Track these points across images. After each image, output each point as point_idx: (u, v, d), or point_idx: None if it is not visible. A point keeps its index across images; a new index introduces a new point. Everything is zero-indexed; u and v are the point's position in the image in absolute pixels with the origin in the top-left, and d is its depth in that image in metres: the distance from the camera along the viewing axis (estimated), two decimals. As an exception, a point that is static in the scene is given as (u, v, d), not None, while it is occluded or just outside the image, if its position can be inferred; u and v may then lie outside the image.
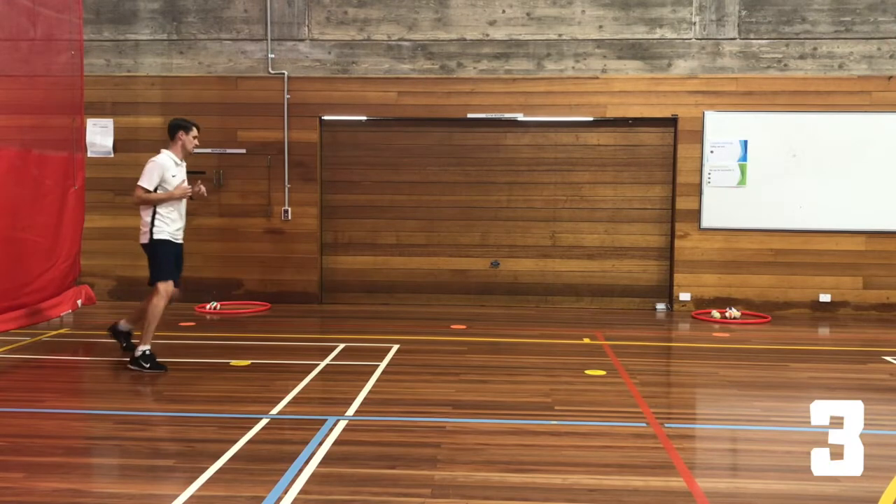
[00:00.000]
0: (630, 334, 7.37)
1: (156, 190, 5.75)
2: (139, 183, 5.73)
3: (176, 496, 3.37)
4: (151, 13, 8.98)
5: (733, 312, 8.33)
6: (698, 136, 8.68)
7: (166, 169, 5.78)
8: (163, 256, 5.83)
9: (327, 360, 6.06)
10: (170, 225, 5.83)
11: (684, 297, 8.80)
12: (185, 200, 5.97)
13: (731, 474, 3.83)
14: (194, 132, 5.95)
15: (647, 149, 8.92)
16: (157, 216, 5.80)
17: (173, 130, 5.93)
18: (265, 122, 8.98)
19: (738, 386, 5.51)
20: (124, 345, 6.22)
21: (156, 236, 5.79)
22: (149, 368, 5.72)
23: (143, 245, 5.88)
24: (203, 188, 5.94)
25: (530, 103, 8.80)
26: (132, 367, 5.78)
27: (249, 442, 4.11)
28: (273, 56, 8.93)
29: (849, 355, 6.63)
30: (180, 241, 5.97)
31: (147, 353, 5.78)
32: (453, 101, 8.85)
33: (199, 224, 9.08)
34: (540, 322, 8.09)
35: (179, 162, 5.91)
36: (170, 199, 5.77)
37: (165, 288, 5.82)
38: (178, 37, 8.98)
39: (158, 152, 5.86)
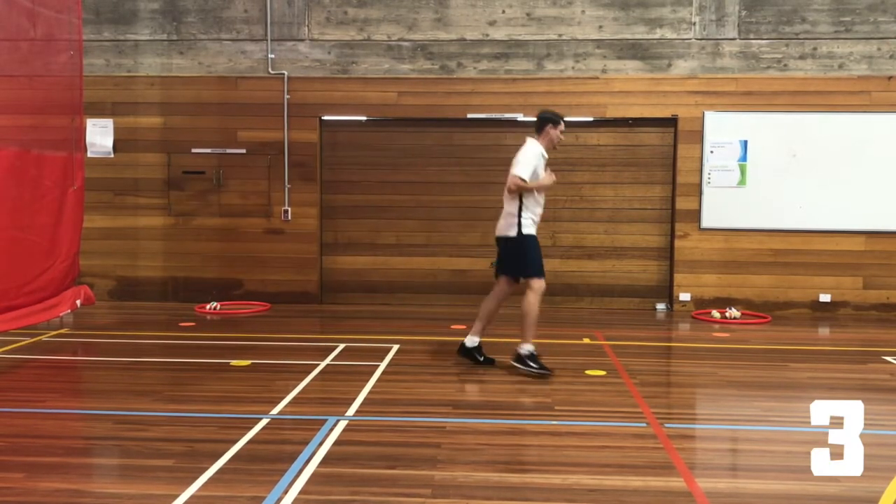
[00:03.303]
0: (630, 334, 7.36)
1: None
2: (516, 172, 5.50)
3: (176, 496, 3.37)
4: (151, 13, 8.97)
5: (733, 312, 8.32)
6: (698, 136, 8.68)
7: (539, 160, 5.61)
8: (533, 251, 5.65)
9: (327, 360, 6.06)
10: (535, 218, 5.67)
11: (684, 297, 8.80)
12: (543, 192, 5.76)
13: (731, 474, 3.83)
14: (562, 126, 5.74)
15: (647, 149, 8.91)
16: (523, 209, 5.60)
17: (542, 123, 5.72)
18: (265, 122, 8.98)
19: (738, 386, 5.50)
20: (482, 359, 5.95)
21: (524, 231, 5.61)
22: (536, 369, 5.56)
23: (509, 238, 5.68)
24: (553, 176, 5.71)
25: (530, 103, 8.79)
26: (516, 365, 5.66)
27: (249, 442, 4.10)
28: (273, 56, 8.93)
29: (849, 355, 6.62)
30: None
31: (533, 352, 5.63)
32: (453, 101, 8.85)
33: (199, 224, 9.09)
34: (540, 322, 8.05)
35: (545, 155, 5.69)
36: (540, 187, 5.59)
37: (539, 284, 5.66)
38: (178, 37, 8.98)
39: (523, 142, 5.65)
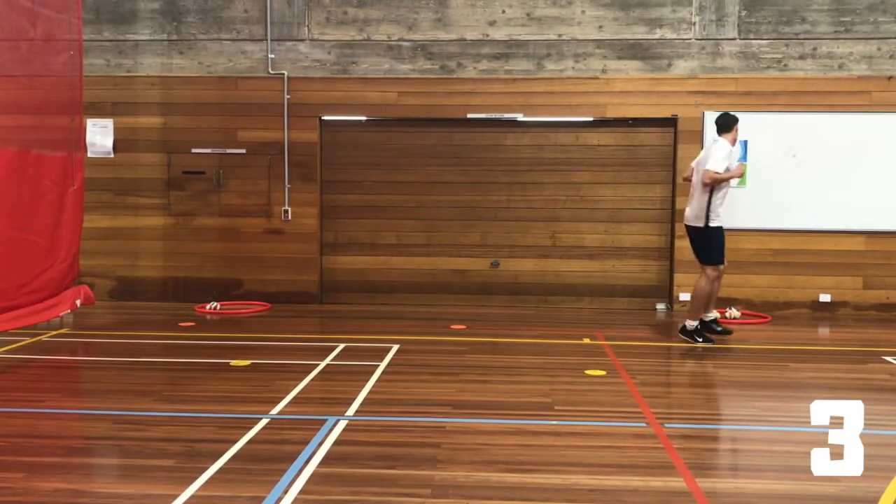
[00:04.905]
0: (630, 334, 7.36)
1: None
2: (710, 167, 6.45)
3: (176, 496, 3.37)
4: (151, 13, 8.97)
5: (733, 312, 8.32)
6: (698, 136, 8.67)
7: (732, 156, 6.59)
8: (717, 241, 6.63)
9: (327, 360, 6.06)
10: (722, 210, 6.65)
11: (684, 297, 8.77)
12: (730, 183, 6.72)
13: (731, 474, 3.83)
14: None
15: (647, 149, 8.91)
16: (712, 202, 6.55)
17: (732, 123, 6.75)
18: (265, 122, 8.98)
19: (738, 386, 5.50)
20: (719, 329, 7.03)
21: (711, 223, 6.59)
22: (701, 341, 6.73)
23: (697, 228, 6.67)
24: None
25: (530, 103, 8.79)
26: (682, 336, 6.86)
27: (249, 442, 4.11)
28: (273, 56, 8.93)
29: (849, 355, 6.62)
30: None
31: (697, 327, 6.78)
32: (453, 101, 8.85)
33: (200, 224, 9.09)
34: (540, 322, 8.08)
35: (733, 151, 6.69)
36: (731, 176, 6.52)
37: (714, 271, 6.67)
38: (178, 37, 8.98)
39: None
